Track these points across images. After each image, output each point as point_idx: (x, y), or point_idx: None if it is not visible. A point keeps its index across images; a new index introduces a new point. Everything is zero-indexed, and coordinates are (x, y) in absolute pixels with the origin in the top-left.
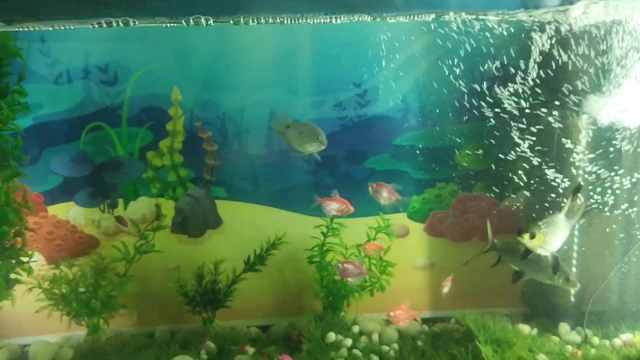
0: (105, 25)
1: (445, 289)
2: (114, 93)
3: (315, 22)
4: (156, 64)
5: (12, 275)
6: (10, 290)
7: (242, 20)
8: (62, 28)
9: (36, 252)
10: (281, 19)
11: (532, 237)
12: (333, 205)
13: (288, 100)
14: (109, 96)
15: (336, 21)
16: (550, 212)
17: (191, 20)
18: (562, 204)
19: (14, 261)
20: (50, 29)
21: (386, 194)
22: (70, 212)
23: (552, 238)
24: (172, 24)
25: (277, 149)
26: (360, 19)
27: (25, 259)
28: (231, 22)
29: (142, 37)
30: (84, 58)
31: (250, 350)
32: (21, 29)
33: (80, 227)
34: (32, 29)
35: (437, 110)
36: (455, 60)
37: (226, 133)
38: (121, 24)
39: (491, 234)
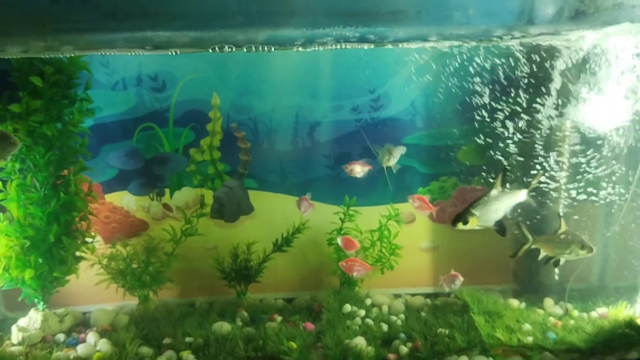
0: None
1: (444, 285)
2: (162, 98)
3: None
4: (198, 73)
5: (78, 253)
6: (76, 266)
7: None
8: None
9: (95, 233)
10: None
11: (466, 222)
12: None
13: (311, 104)
14: (158, 101)
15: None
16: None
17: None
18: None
19: (79, 241)
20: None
21: (359, 169)
22: (124, 200)
23: (486, 216)
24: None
25: (301, 146)
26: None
27: (89, 240)
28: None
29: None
30: (137, 68)
31: (278, 318)
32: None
33: (132, 212)
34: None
35: (441, 114)
36: (457, 71)
37: (257, 133)
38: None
39: (528, 232)
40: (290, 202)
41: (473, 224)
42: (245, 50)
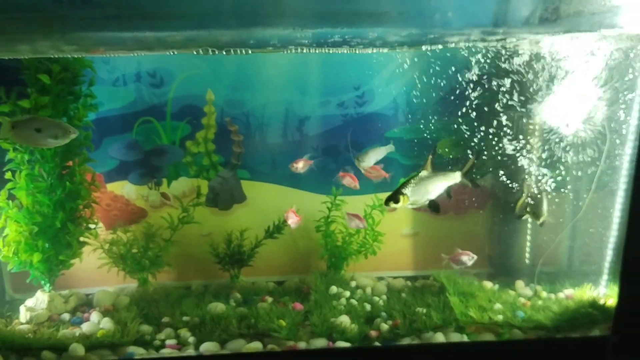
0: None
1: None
2: (160, 94)
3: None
4: (194, 70)
5: (82, 238)
6: (80, 250)
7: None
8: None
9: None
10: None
11: (397, 201)
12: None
13: (300, 100)
14: (156, 96)
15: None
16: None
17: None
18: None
19: (83, 227)
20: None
21: (302, 165)
22: (124, 189)
23: (418, 195)
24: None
25: (291, 139)
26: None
27: (92, 226)
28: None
29: None
30: (137, 65)
31: (269, 299)
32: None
33: (132, 200)
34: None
35: (421, 109)
36: (437, 68)
37: (250, 126)
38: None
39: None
40: (280, 191)
41: (404, 202)
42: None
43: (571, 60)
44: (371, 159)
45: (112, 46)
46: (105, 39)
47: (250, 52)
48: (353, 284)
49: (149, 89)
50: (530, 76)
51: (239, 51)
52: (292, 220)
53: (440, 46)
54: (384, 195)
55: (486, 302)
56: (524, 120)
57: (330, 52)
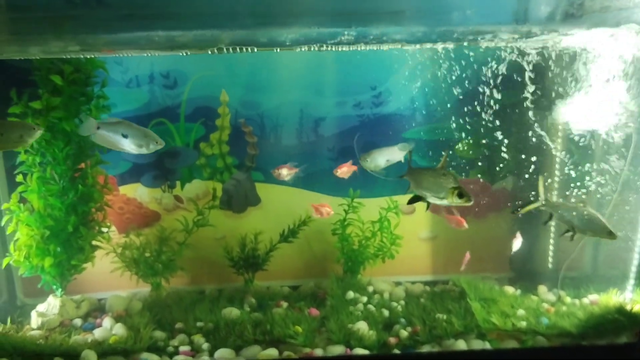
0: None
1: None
2: (174, 95)
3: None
4: (208, 71)
5: (94, 242)
6: (92, 254)
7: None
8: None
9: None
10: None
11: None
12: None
13: (315, 100)
14: (170, 97)
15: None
16: None
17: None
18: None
19: (95, 231)
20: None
21: (286, 172)
22: (137, 192)
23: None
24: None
25: (306, 140)
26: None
27: (105, 230)
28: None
29: None
30: (150, 66)
31: (284, 304)
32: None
33: (145, 203)
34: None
35: (439, 110)
36: (456, 68)
37: (264, 128)
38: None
39: (544, 190)
40: (294, 193)
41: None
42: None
43: (598, 58)
44: (377, 158)
45: (125, 46)
46: (118, 39)
47: (264, 49)
48: (370, 288)
49: (162, 91)
50: (556, 75)
51: (249, 49)
52: (322, 213)
53: (459, 44)
54: (400, 198)
55: (508, 308)
56: (548, 121)
57: (346, 49)
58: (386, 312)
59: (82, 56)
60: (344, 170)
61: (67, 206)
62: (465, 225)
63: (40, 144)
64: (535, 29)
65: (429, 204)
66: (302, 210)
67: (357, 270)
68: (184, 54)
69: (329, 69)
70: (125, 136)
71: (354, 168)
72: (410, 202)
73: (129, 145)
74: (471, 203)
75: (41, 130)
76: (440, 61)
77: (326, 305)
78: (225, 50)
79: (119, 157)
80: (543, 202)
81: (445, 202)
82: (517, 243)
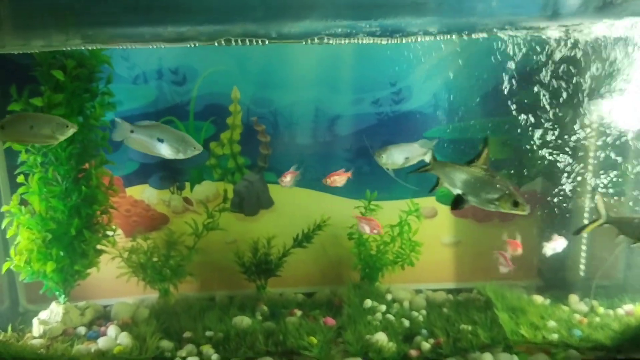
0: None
1: (503, 268)
2: (183, 92)
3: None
4: (219, 67)
5: (99, 246)
6: (97, 259)
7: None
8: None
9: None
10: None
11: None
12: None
13: (331, 97)
14: (179, 94)
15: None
16: None
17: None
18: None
19: (100, 235)
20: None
21: (289, 178)
22: (144, 193)
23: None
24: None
25: (321, 140)
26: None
27: (110, 233)
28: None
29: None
30: (158, 62)
31: (298, 312)
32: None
33: (153, 206)
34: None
35: (463, 107)
36: (481, 62)
37: (277, 126)
38: None
39: (603, 207)
40: (309, 196)
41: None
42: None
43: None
44: (394, 155)
45: (131, 39)
46: (123, 32)
47: (276, 42)
48: (389, 297)
49: (171, 87)
50: (589, 68)
51: (259, 42)
52: (369, 228)
53: (484, 35)
54: (420, 200)
55: (538, 319)
56: (579, 117)
57: (365, 41)
58: (406, 322)
59: (84, 48)
60: (335, 179)
61: (70, 208)
62: (520, 250)
63: None
64: (570, 17)
65: (462, 202)
66: (317, 214)
67: (375, 277)
68: (192, 46)
69: (346, 64)
70: (161, 141)
71: (347, 175)
72: (455, 205)
73: (165, 151)
74: (527, 213)
75: (75, 129)
76: (466, 54)
77: (342, 314)
78: (234, 42)
79: (125, 157)
80: (605, 220)
81: (491, 207)
82: (556, 247)
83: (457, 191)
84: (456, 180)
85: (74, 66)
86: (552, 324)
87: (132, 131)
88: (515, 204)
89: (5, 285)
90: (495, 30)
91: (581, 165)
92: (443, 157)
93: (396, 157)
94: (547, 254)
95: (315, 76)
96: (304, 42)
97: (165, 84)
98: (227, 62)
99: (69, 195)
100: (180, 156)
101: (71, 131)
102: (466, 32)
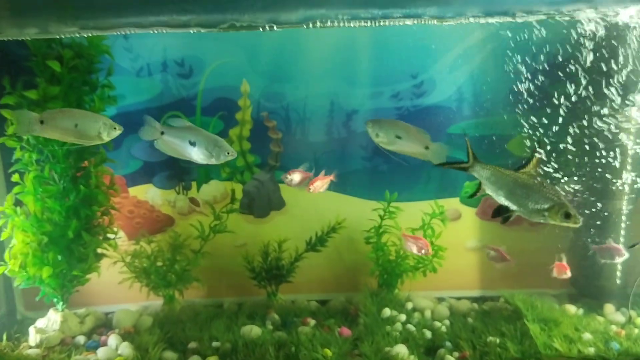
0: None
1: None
2: (189, 85)
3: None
4: (227, 58)
5: (99, 250)
6: (98, 264)
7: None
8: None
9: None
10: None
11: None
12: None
13: (347, 91)
14: (185, 88)
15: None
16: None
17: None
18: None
19: (101, 237)
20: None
21: (299, 177)
22: (148, 193)
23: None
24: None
25: (337, 136)
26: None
27: (111, 236)
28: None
29: (215, 34)
30: (163, 53)
31: (312, 322)
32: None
33: (157, 206)
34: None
35: (491, 101)
36: (512, 51)
37: (290, 122)
38: None
39: None
40: (323, 196)
41: None
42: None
43: None
44: (384, 128)
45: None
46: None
47: (294, 27)
48: (409, 305)
49: (176, 80)
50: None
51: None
52: (417, 248)
53: (511, 19)
54: (443, 201)
55: (572, 331)
56: (620, 112)
57: (386, 23)
58: (428, 334)
59: (78, 35)
60: (318, 185)
61: (68, 209)
62: (568, 273)
63: (37, 139)
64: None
65: (505, 212)
66: (332, 215)
67: (394, 284)
68: (194, 32)
69: (363, 55)
70: (193, 144)
71: (329, 178)
72: (498, 214)
73: (196, 155)
74: (579, 225)
75: (120, 130)
76: (495, 43)
77: (359, 324)
78: (237, 26)
79: (128, 156)
80: None
81: (539, 218)
82: (615, 255)
83: (501, 199)
84: (500, 187)
85: (71, 56)
86: (587, 336)
87: (162, 132)
88: (567, 216)
89: (2, 291)
90: (527, 13)
91: (623, 164)
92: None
93: (386, 130)
94: (602, 260)
95: (330, 68)
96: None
97: (171, 77)
98: (236, 53)
99: (67, 195)
100: (213, 161)
101: (117, 133)
102: (499, 15)
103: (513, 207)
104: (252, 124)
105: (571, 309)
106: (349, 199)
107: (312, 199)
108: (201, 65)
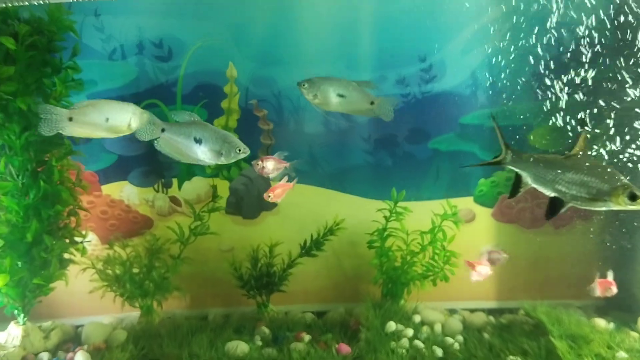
0: None
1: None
2: (169, 69)
3: None
4: (211, 39)
5: (66, 255)
6: (63, 271)
7: None
8: None
9: (90, 231)
10: None
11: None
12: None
13: (347, 75)
14: (163, 72)
15: None
16: None
17: None
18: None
19: (67, 241)
20: None
21: (272, 166)
22: (124, 192)
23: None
24: None
25: (335, 127)
26: None
27: (79, 239)
28: None
29: (196, 11)
30: (138, 33)
31: (306, 337)
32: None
33: (134, 206)
34: None
35: (510, 87)
36: (531, 32)
37: (282, 111)
38: None
39: None
40: (320, 195)
41: None
42: None
43: None
44: (322, 87)
45: None
46: None
47: None
48: (417, 318)
49: (154, 63)
50: None
51: None
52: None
53: None
54: (455, 200)
55: (605, 350)
56: None
57: None
58: (439, 351)
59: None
60: (279, 193)
61: (27, 209)
62: (614, 289)
63: None
64: None
65: (561, 206)
66: (329, 216)
67: (399, 294)
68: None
69: (365, 35)
70: (198, 141)
71: (289, 186)
72: (553, 212)
73: (203, 153)
74: None
75: (247, 153)
76: (512, 22)
77: (360, 339)
78: None
79: (100, 149)
80: None
81: (599, 205)
82: None
83: (549, 192)
84: (546, 176)
85: (28, 32)
86: (622, 355)
87: (163, 129)
88: (633, 197)
89: None
90: None
91: None
92: (481, 148)
93: (325, 89)
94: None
95: (327, 50)
96: None
97: (148, 60)
98: (220, 33)
99: (26, 192)
100: (222, 161)
101: (241, 156)
102: None
103: (565, 198)
104: (240, 114)
105: (601, 323)
106: (348, 198)
107: (307, 198)
108: (182, 47)
